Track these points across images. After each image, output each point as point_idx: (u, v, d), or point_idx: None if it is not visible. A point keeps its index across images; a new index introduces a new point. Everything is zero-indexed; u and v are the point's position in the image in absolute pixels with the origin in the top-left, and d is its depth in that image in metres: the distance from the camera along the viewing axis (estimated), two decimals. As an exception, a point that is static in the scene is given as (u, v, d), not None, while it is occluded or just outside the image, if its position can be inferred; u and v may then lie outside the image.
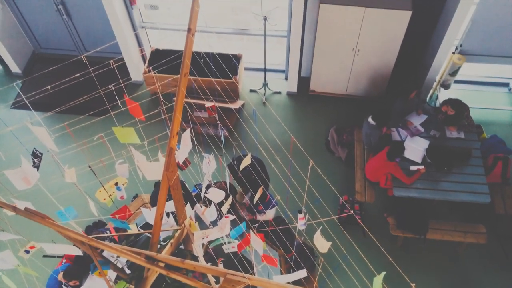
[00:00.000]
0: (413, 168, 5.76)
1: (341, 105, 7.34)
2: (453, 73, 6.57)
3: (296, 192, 3.63)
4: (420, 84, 6.91)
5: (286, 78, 7.66)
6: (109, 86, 3.64)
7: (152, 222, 3.51)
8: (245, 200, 5.46)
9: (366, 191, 6.01)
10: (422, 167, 5.70)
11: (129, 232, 3.67)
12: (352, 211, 3.04)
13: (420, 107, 6.27)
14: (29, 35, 7.81)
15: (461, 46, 6.35)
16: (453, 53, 6.45)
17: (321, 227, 2.85)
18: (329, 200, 6.08)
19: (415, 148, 5.96)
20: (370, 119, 6.00)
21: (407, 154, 5.89)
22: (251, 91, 7.54)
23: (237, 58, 7.18)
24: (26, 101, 3.50)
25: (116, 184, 3.95)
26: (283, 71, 7.73)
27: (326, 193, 4.54)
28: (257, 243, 3.30)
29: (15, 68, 7.75)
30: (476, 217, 5.95)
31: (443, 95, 6.96)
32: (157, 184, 5.57)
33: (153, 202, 5.47)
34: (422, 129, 6.10)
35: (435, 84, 6.99)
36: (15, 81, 7.28)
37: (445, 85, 6.81)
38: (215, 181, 5.14)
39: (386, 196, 6.11)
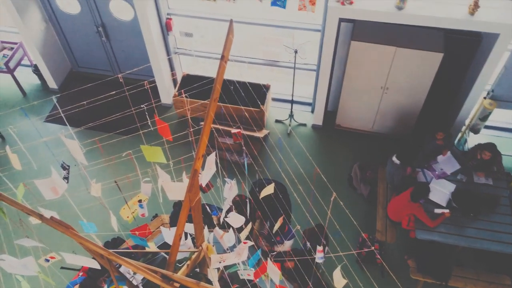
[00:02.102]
0: (437, 211, 5.62)
1: (366, 141, 7.31)
2: (484, 118, 6.48)
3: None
4: (449, 127, 6.83)
5: (312, 111, 7.70)
6: (141, 106, 3.75)
7: (170, 242, 3.53)
8: (264, 229, 5.42)
9: (387, 230, 5.88)
10: (447, 210, 5.57)
11: (147, 250, 3.69)
12: (373, 248, 2.99)
13: (448, 149, 6.18)
14: (69, 54, 8.16)
15: (493, 91, 6.29)
16: (485, 98, 6.38)
17: (342, 263, 2.80)
18: (349, 235, 5.96)
19: (441, 191, 5.83)
20: (394, 158, 5.94)
21: (432, 196, 5.77)
22: (277, 121, 7.60)
23: (266, 88, 7.30)
24: (62, 114, 3.63)
25: (140, 201, 4.00)
26: (309, 104, 7.78)
27: (346, 228, 4.47)
28: (273, 272, 3.26)
29: (52, 84, 8.08)
30: (501, 268, 5.72)
31: (472, 139, 6.85)
32: (176, 205, 5.61)
33: (172, 222, 5.50)
34: (448, 172, 5.98)
35: (464, 128, 6.90)
36: (51, 96, 7.58)
37: (475, 130, 6.71)
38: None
39: (408, 238, 5.96)
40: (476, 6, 5.34)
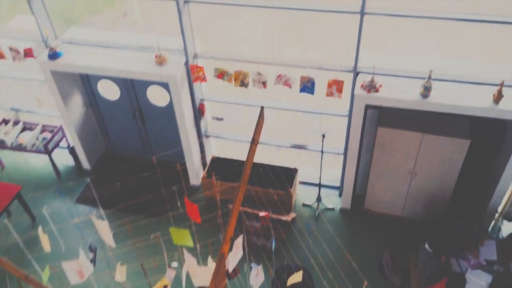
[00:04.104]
0: (476, 304, 5.26)
1: (397, 227, 7.10)
2: (517, 204, 6.27)
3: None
4: (481, 214, 6.61)
5: (340, 195, 7.64)
6: (173, 188, 3.84)
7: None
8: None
9: (423, 325, 5.49)
10: (486, 304, 5.20)
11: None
12: None
13: (483, 238, 5.93)
14: (104, 136, 8.56)
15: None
16: (515, 186, 6.23)
17: None
18: (381, 330, 5.59)
19: (477, 283, 5.50)
20: (427, 246, 5.72)
21: (469, 288, 5.44)
22: (304, 205, 7.54)
23: (293, 171, 7.36)
24: (95, 195, 3.75)
25: (165, 286, 3.93)
26: (337, 188, 7.75)
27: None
28: None
29: (86, 165, 8.38)
30: None
31: (507, 228, 6.57)
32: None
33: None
34: (484, 262, 5.68)
35: (497, 215, 6.66)
36: (84, 177, 7.82)
37: (508, 217, 6.47)
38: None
39: (446, 334, 5.52)
40: (500, 95, 5.43)
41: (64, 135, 8.45)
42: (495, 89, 5.51)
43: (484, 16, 5.58)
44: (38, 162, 8.63)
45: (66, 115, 7.57)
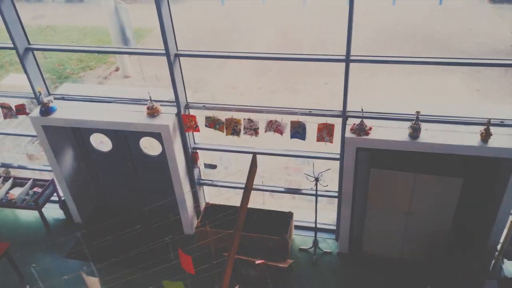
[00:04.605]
0: None
1: (397, 269, 6.95)
2: (516, 242, 6.21)
3: None
4: (481, 253, 6.52)
5: (336, 239, 7.53)
6: (165, 239, 3.78)
7: None
8: None
9: None
10: None
11: None
12: None
13: (484, 278, 5.82)
14: (97, 188, 8.48)
15: (520, 214, 6.14)
16: (512, 222, 6.21)
17: None
18: None
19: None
20: (429, 288, 5.60)
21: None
22: (301, 250, 7.41)
23: (288, 215, 7.29)
24: (86, 250, 3.66)
25: None
26: (334, 231, 7.65)
27: None
28: None
29: (77, 219, 8.23)
30: None
31: (508, 266, 6.46)
32: None
33: None
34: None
35: (497, 253, 6.57)
36: (75, 231, 7.64)
37: (509, 255, 6.38)
38: None
39: None
40: (487, 133, 5.53)
41: (55, 189, 8.36)
42: (482, 128, 5.61)
43: (463, 59, 5.82)
44: (28, 217, 8.48)
45: (57, 169, 7.53)
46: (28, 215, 8.50)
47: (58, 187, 8.17)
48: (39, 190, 8.25)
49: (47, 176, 8.66)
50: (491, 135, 5.54)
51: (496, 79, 12.34)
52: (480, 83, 12.29)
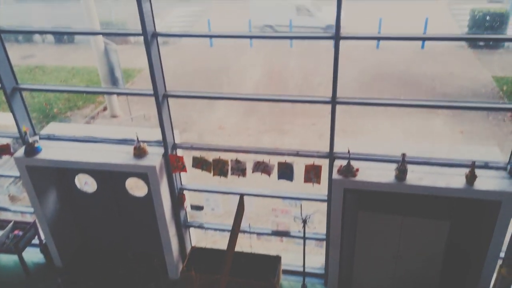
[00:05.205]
0: None
1: (387, 315, 6.79)
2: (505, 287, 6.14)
3: None
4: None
5: (325, 284, 7.37)
6: (150, 284, 3.65)
7: None
8: None
9: None
10: None
11: None
12: None
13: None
14: (80, 230, 8.25)
15: (508, 258, 6.10)
16: (501, 266, 6.15)
17: None
18: None
19: None
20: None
21: None
22: (289, 295, 7.22)
23: (276, 259, 7.14)
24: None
25: None
26: (322, 276, 7.49)
27: None
28: None
29: (58, 262, 7.93)
30: None
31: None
32: None
33: None
34: None
35: (488, 297, 6.48)
36: (56, 276, 7.35)
37: (500, 298, 6.29)
38: None
39: None
40: (472, 175, 5.58)
41: (36, 232, 8.11)
42: (467, 170, 5.67)
43: (446, 102, 5.95)
44: (8, 262, 8.16)
45: (40, 210, 7.34)
46: (7, 260, 8.19)
47: (39, 230, 7.93)
48: (20, 233, 7.99)
49: (29, 218, 8.43)
50: (476, 177, 5.59)
51: (479, 121, 12.65)
52: (463, 125, 12.57)
